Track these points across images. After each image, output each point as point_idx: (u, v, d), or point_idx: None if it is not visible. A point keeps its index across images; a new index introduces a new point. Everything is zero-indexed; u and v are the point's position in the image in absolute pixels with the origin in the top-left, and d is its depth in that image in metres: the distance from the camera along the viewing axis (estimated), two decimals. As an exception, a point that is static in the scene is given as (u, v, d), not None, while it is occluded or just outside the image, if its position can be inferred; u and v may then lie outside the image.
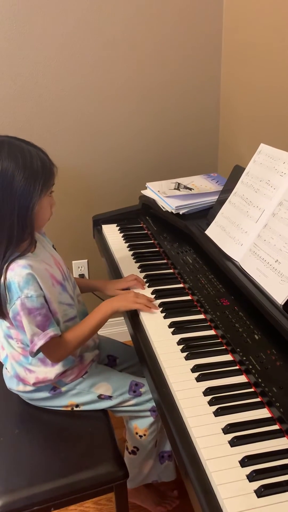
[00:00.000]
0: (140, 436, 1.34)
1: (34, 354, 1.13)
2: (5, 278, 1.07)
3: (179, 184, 1.69)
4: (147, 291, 1.31)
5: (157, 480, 1.45)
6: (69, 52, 1.81)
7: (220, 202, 1.43)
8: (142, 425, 1.33)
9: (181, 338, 1.11)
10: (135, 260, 1.51)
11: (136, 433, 1.34)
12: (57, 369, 1.22)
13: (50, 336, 1.11)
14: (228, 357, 1.05)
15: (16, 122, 1.84)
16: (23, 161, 1.04)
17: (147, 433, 1.33)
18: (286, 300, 1.03)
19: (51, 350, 1.15)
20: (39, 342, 1.10)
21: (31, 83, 1.80)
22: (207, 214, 1.50)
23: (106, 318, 1.22)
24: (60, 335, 1.14)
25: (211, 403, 0.92)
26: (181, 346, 1.09)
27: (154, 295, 1.29)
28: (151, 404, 1.30)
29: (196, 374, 1.00)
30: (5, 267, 1.08)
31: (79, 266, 2.15)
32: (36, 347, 1.11)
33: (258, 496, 0.74)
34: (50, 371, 1.22)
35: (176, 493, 1.54)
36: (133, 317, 1.24)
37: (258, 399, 0.93)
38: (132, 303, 1.22)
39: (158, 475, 1.44)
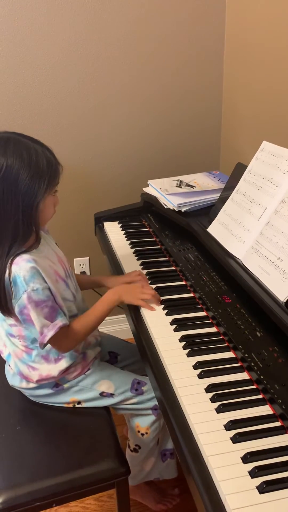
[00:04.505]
0: (142, 434, 1.34)
1: (44, 346, 1.14)
2: (10, 272, 1.08)
3: (181, 181, 1.69)
4: (149, 289, 1.31)
5: (158, 477, 1.45)
6: (72, 52, 1.80)
7: (222, 200, 1.43)
8: (143, 423, 1.33)
9: (183, 335, 1.11)
10: (137, 258, 1.51)
11: (138, 431, 1.34)
12: (60, 366, 1.22)
13: (59, 326, 1.11)
14: (230, 354, 1.06)
15: (18, 120, 1.83)
16: (28, 159, 1.04)
17: (149, 431, 1.33)
18: (288, 297, 1.03)
19: (59, 341, 1.15)
20: (49, 333, 1.11)
21: (33, 82, 1.80)
22: (209, 211, 1.50)
23: (112, 307, 1.22)
24: (68, 325, 1.15)
25: (213, 399, 0.92)
26: (183, 343, 1.09)
27: (156, 293, 1.29)
28: (153, 402, 1.30)
29: (198, 371, 1.00)
30: (9, 262, 1.08)
31: (81, 264, 2.15)
32: (47, 338, 1.11)
33: (260, 492, 0.74)
34: (53, 368, 1.22)
35: (177, 491, 1.54)
36: (135, 314, 1.24)
37: (260, 396, 0.93)
38: (137, 299, 1.23)
39: (160, 473, 1.44)
